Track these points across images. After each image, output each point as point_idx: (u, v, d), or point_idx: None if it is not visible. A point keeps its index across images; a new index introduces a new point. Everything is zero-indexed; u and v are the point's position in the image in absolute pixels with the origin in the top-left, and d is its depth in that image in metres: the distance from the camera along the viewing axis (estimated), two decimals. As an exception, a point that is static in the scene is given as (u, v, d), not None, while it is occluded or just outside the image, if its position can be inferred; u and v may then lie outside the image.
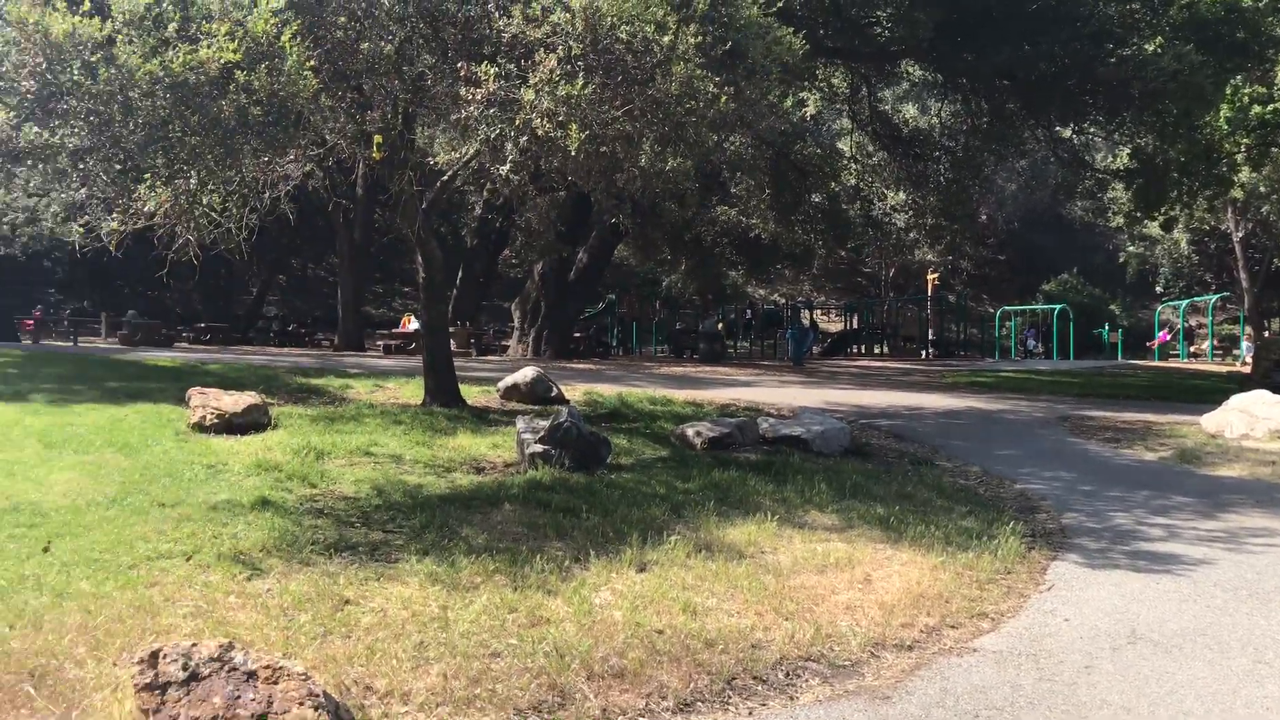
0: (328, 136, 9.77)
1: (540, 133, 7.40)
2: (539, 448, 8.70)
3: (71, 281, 36.90)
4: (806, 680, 4.68)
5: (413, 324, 27.95)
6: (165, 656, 3.64)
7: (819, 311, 44.98)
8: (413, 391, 13.48)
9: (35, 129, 6.67)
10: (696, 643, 4.89)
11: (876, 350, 37.21)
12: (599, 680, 4.43)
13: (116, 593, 5.18)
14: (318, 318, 36.96)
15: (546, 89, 7.39)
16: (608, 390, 14.14)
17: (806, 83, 19.98)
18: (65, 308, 35.15)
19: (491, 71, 7.63)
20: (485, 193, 25.17)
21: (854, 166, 26.15)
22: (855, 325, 40.47)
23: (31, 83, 6.43)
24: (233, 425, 9.96)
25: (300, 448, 8.94)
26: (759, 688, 4.56)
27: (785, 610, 5.48)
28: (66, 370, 14.98)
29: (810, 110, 23.24)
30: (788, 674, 4.73)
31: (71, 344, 27.38)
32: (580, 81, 7.51)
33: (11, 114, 6.58)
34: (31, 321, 29.68)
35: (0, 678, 4.05)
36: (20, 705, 3.84)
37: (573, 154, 7.43)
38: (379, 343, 28.84)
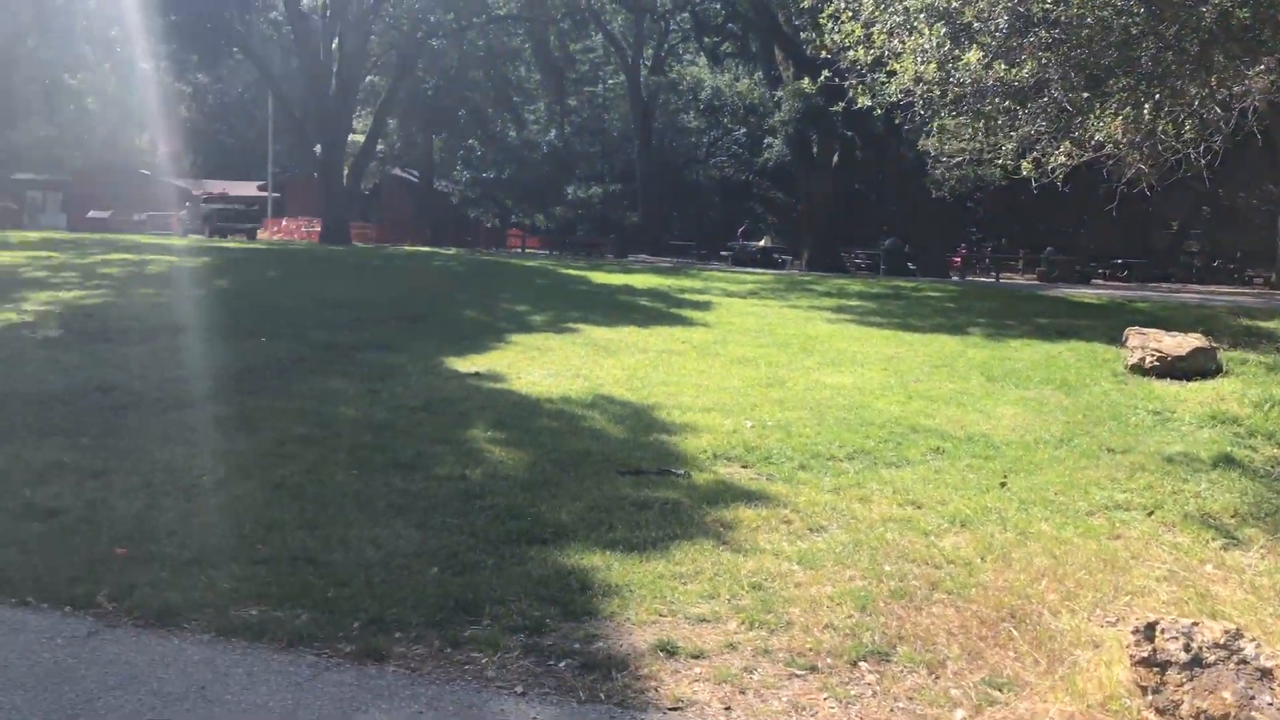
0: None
1: None
2: None
3: (990, 220, 38.84)
4: None
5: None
6: (1164, 632, 3.25)
7: None
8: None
9: (1003, 65, 6.72)
10: None
11: None
12: None
13: (1077, 539, 4.99)
14: (1246, 252, 33.10)
15: None
16: None
17: None
18: (985, 245, 37.18)
19: None
20: None
21: None
22: None
23: (1004, 19, 6.46)
24: (1174, 369, 9.23)
25: (1260, 400, 7.84)
26: None
27: None
28: (995, 305, 15.66)
29: None
30: None
31: (993, 279, 28.84)
32: None
33: (982, 54, 6.71)
34: (958, 259, 32.04)
35: (980, 610, 4.11)
36: (1003, 644, 3.82)
37: None
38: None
